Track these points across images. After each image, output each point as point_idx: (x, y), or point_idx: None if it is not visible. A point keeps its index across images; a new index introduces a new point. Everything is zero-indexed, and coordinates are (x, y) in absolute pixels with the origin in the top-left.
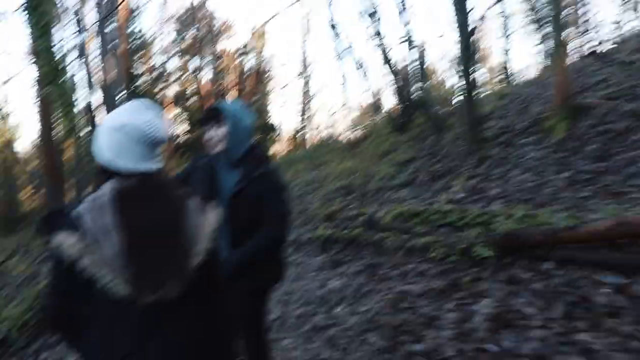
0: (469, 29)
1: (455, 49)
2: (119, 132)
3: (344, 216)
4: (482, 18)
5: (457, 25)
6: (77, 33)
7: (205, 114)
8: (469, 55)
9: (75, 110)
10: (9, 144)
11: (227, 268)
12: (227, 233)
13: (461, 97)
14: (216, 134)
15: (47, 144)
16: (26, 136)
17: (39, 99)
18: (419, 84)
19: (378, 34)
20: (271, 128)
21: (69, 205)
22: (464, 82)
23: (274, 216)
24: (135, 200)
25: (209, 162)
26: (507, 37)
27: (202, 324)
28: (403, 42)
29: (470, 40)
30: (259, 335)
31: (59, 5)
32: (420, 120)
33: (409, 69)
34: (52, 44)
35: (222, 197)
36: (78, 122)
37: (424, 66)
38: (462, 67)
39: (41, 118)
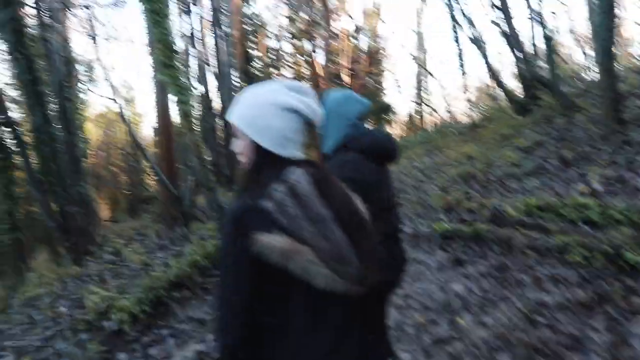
0: None
1: (584, 21)
2: (291, 114)
3: (465, 207)
4: None
5: None
6: (192, 18)
7: None
8: (609, 25)
9: (191, 95)
10: (131, 129)
11: None
12: None
13: (596, 74)
14: None
15: (163, 129)
16: (149, 122)
17: (155, 85)
18: (545, 61)
19: (500, 6)
20: (387, 109)
21: (255, 198)
22: (603, 56)
23: None
24: (331, 189)
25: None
26: None
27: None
28: (529, 17)
29: (613, 6)
30: None
31: None
32: (546, 100)
33: (532, 44)
34: (167, 30)
35: None
36: (193, 107)
37: (551, 41)
38: (601, 39)
39: (157, 104)
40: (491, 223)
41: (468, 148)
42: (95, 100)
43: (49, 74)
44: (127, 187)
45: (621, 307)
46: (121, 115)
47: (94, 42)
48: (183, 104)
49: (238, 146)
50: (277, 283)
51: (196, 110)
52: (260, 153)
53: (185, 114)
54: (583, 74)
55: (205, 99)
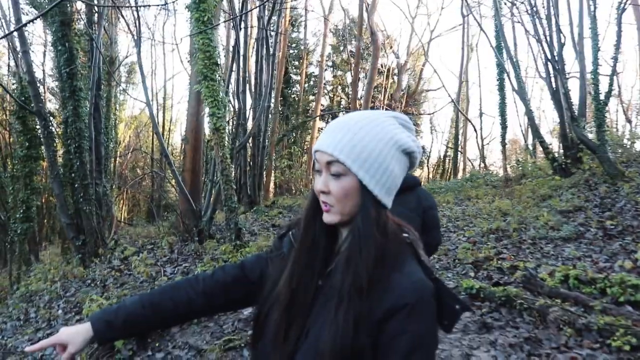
0: None
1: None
2: (405, 159)
3: (495, 266)
4: None
5: None
6: (237, 34)
7: None
8: None
9: (226, 109)
10: (159, 135)
11: None
12: None
13: None
14: None
15: (192, 140)
16: (182, 131)
17: (190, 95)
18: (591, 123)
19: (551, 60)
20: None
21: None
22: None
23: None
24: None
25: None
26: None
27: None
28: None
29: None
30: None
31: (225, 8)
32: (589, 164)
33: (578, 104)
34: (212, 41)
35: None
36: (227, 122)
37: (601, 102)
38: None
39: (190, 114)
40: (523, 288)
41: (501, 203)
42: (131, 102)
43: (89, 71)
44: (149, 191)
45: None
46: (152, 120)
47: (138, 45)
48: (217, 117)
49: (334, 187)
50: None
51: (229, 126)
52: (370, 201)
53: (217, 128)
54: (626, 142)
55: (240, 116)
